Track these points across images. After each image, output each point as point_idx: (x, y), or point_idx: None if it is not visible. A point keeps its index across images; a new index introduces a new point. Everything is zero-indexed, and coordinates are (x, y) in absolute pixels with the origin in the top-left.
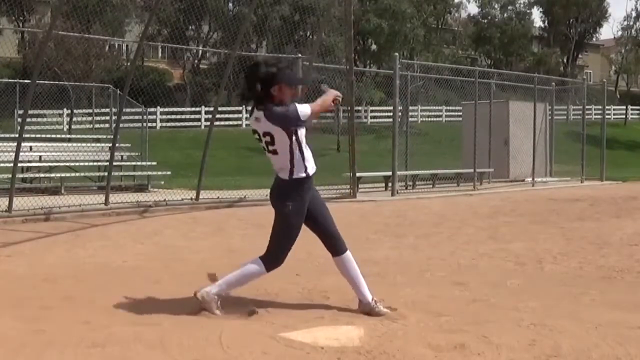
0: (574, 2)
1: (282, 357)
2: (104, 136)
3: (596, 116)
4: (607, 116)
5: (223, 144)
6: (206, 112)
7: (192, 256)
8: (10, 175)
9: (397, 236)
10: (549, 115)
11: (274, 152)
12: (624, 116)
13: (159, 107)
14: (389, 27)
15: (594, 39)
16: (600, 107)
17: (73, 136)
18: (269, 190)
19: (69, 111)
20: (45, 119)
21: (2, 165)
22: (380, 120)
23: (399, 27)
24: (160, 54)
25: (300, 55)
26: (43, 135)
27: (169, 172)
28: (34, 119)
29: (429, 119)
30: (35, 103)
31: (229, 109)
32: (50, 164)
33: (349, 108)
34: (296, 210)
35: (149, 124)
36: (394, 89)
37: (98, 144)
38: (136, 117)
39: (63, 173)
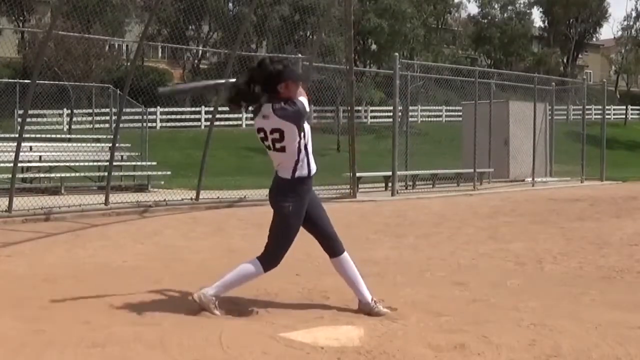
0: (574, 2)
1: (282, 357)
2: (104, 136)
3: (596, 116)
4: (607, 116)
5: (223, 144)
6: (206, 112)
7: (192, 256)
8: (10, 175)
9: (397, 236)
10: (549, 115)
11: (282, 150)
12: (624, 116)
13: (159, 107)
14: (389, 27)
15: (594, 39)
16: (600, 107)
17: (73, 136)
18: (268, 190)
19: (69, 111)
20: (45, 119)
21: (2, 165)
22: (380, 120)
23: (399, 27)
24: (160, 54)
25: (300, 55)
26: (43, 135)
27: (169, 172)
28: (34, 119)
29: (429, 119)
30: (35, 103)
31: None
32: (50, 164)
33: (349, 108)
34: (295, 211)
35: (149, 124)
36: (394, 89)
37: (98, 144)
38: (136, 117)
39: (63, 173)
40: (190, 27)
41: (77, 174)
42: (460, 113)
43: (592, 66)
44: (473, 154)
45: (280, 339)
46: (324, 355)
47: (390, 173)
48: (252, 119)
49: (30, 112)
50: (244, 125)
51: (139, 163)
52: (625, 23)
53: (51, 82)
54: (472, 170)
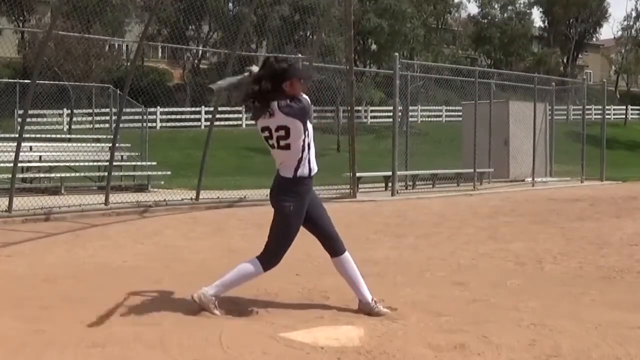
0: (574, 2)
1: (282, 357)
2: (104, 136)
3: (596, 116)
4: (607, 116)
5: (223, 144)
6: (206, 112)
7: (192, 256)
8: (10, 175)
9: (397, 236)
10: (549, 115)
11: (286, 147)
12: (624, 116)
13: (159, 107)
14: (389, 27)
15: (594, 39)
16: (600, 107)
17: (73, 136)
18: (269, 190)
19: (69, 111)
20: (45, 119)
21: (2, 165)
22: (380, 120)
23: (399, 27)
24: (160, 54)
25: (300, 55)
26: (43, 135)
27: (169, 172)
28: (34, 119)
29: (429, 119)
30: (35, 103)
31: (229, 109)
32: (50, 164)
33: (349, 108)
34: (296, 210)
35: (149, 124)
36: (394, 89)
37: (98, 144)
38: (136, 117)
39: (63, 173)
40: (190, 27)
41: (77, 174)
42: (460, 113)
43: (592, 66)
44: (473, 154)
45: (280, 339)
46: (324, 355)
47: (390, 173)
48: (252, 118)
49: (30, 112)
50: (244, 125)
51: (139, 163)
52: (625, 23)
53: (51, 82)
54: (472, 170)
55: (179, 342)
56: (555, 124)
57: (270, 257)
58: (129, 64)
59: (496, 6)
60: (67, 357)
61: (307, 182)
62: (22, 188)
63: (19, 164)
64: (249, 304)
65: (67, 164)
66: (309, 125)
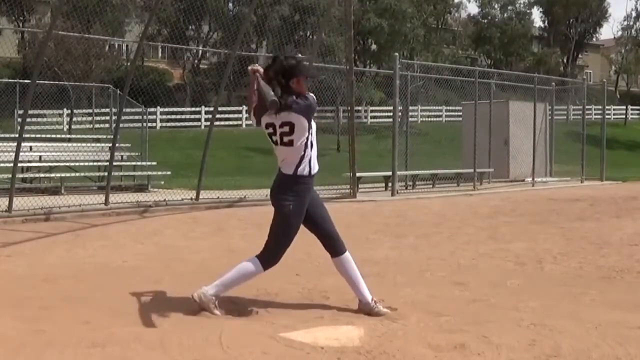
0: (574, 2)
1: (282, 357)
2: (104, 136)
3: (596, 116)
4: (607, 116)
5: (223, 144)
6: (206, 112)
7: (192, 256)
8: (10, 175)
9: (397, 236)
10: (549, 115)
11: (289, 144)
12: (624, 116)
13: (159, 107)
14: (389, 27)
15: (594, 39)
16: (600, 107)
17: (73, 136)
18: (268, 190)
19: (69, 111)
20: (45, 119)
21: (2, 165)
22: (380, 120)
23: (399, 27)
24: (160, 54)
25: (300, 55)
26: (43, 135)
27: (169, 172)
28: (34, 119)
29: (429, 119)
30: (35, 103)
31: (229, 109)
32: (50, 164)
33: (349, 108)
34: (296, 210)
35: (149, 124)
36: (394, 89)
37: (98, 144)
38: (136, 117)
39: (63, 173)
40: (190, 27)
41: (77, 174)
42: (460, 113)
43: (592, 66)
44: (473, 154)
45: (280, 339)
46: (324, 355)
47: (390, 173)
48: (256, 117)
49: (30, 112)
50: (244, 125)
51: (139, 163)
52: (625, 23)
53: (51, 82)
54: (472, 170)
55: (179, 342)
56: (555, 124)
57: (270, 256)
58: (129, 64)
59: (496, 6)
60: (67, 357)
61: (307, 181)
62: (22, 188)
63: (19, 164)
64: (249, 304)
65: (67, 164)
66: (313, 124)
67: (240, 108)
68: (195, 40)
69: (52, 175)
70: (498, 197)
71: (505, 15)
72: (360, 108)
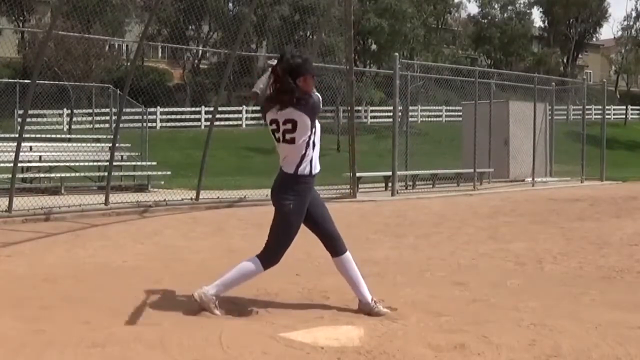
0: (574, 2)
1: (282, 357)
2: (104, 136)
3: (596, 116)
4: (607, 116)
5: (223, 144)
6: (206, 112)
7: (192, 256)
8: (10, 175)
9: (397, 236)
10: (549, 115)
11: (291, 141)
12: (624, 116)
13: (159, 107)
14: (389, 27)
15: (594, 39)
16: (600, 107)
17: (73, 136)
18: (268, 190)
19: (69, 111)
20: (45, 119)
21: (2, 165)
22: (380, 120)
23: (399, 27)
24: (160, 54)
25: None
26: (43, 135)
27: (169, 172)
28: (34, 119)
29: (429, 119)
30: (35, 103)
31: (229, 109)
32: (50, 164)
33: (349, 108)
34: (296, 209)
35: (149, 124)
36: (394, 89)
37: (98, 144)
38: (136, 117)
39: (63, 173)
40: (190, 27)
41: (77, 174)
42: (460, 113)
43: (592, 66)
44: (473, 154)
45: (280, 339)
46: (324, 355)
47: (390, 173)
48: (259, 111)
49: (30, 112)
50: (244, 125)
51: (139, 163)
52: (625, 23)
53: (51, 82)
54: (472, 170)
55: (179, 342)
56: (555, 124)
57: (270, 255)
58: (129, 64)
59: (496, 6)
60: (67, 357)
61: (308, 181)
62: (22, 188)
63: (19, 164)
64: (249, 304)
65: (67, 164)
66: (318, 125)
67: (240, 108)
68: (195, 40)
69: (52, 175)
70: (498, 197)
71: (505, 15)
72: (360, 108)
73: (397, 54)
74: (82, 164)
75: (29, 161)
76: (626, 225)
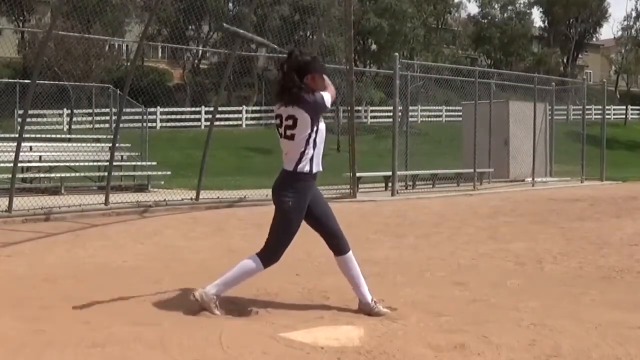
0: (574, 2)
1: (282, 357)
2: (104, 136)
3: (596, 116)
4: (607, 116)
5: (223, 144)
6: (206, 112)
7: (192, 256)
8: (10, 175)
9: (397, 236)
10: (549, 115)
11: (291, 137)
12: (624, 116)
13: (159, 107)
14: (389, 27)
15: (594, 39)
16: (600, 107)
17: (73, 136)
18: (268, 190)
19: (69, 111)
20: (45, 119)
21: (2, 165)
22: (380, 120)
23: (399, 27)
24: (160, 54)
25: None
26: (43, 135)
27: (169, 172)
28: (34, 119)
29: (429, 119)
30: (35, 103)
31: (229, 109)
32: (50, 164)
33: (349, 108)
34: (295, 206)
35: (149, 124)
36: (394, 89)
37: (98, 144)
38: (136, 117)
39: (63, 173)
40: (190, 27)
41: (77, 174)
42: (460, 113)
43: (592, 66)
44: (473, 154)
45: (280, 339)
46: (324, 355)
47: (390, 173)
48: (273, 103)
49: (30, 112)
50: (244, 125)
51: (139, 163)
52: (625, 23)
53: (51, 82)
54: (472, 170)
55: (179, 342)
56: (555, 124)
57: (270, 253)
58: (129, 64)
59: (496, 6)
60: (67, 357)
61: (308, 179)
62: (22, 188)
63: (19, 164)
64: (249, 304)
65: (67, 164)
66: (322, 126)
67: (240, 108)
68: (195, 40)
69: (52, 175)
70: (498, 197)
71: (505, 15)
72: (360, 108)
73: (397, 54)
74: (82, 164)
75: (29, 161)
76: (626, 225)
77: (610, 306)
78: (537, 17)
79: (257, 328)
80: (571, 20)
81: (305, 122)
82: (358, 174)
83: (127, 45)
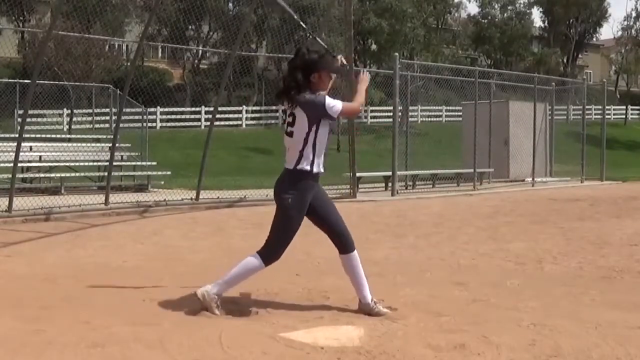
0: (574, 2)
1: (282, 357)
2: (104, 136)
3: (596, 116)
4: (607, 116)
5: (223, 144)
6: (206, 112)
7: (192, 256)
8: (10, 175)
9: (397, 236)
10: (549, 115)
11: (290, 134)
12: (624, 116)
13: (159, 107)
14: (389, 27)
15: (594, 39)
16: (600, 107)
17: (73, 136)
18: (268, 190)
19: (69, 111)
20: (45, 119)
21: (2, 165)
22: (380, 120)
23: (399, 27)
24: (160, 54)
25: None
26: (43, 135)
27: (169, 172)
28: (34, 119)
29: (429, 119)
30: (35, 103)
31: (229, 109)
32: (50, 164)
33: None
34: (296, 204)
35: (149, 124)
36: (394, 89)
37: (98, 144)
38: (136, 117)
39: (63, 173)
40: (190, 27)
41: (77, 174)
42: (460, 113)
43: (592, 66)
44: (473, 154)
45: (280, 339)
46: (324, 355)
47: (390, 173)
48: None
49: (30, 112)
50: (244, 125)
51: (139, 163)
52: (625, 23)
53: (51, 82)
54: (472, 170)
55: (179, 342)
56: (555, 124)
57: (270, 251)
58: (129, 64)
59: (496, 6)
60: (67, 357)
61: (308, 178)
62: (22, 188)
63: (19, 164)
64: (249, 304)
65: (67, 164)
66: (322, 129)
67: (240, 108)
68: (195, 40)
69: (52, 175)
70: (498, 197)
71: (505, 15)
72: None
73: (397, 54)
74: (82, 164)
75: (29, 161)
76: (626, 225)
77: (610, 306)
78: (537, 17)
79: (257, 328)
80: (571, 20)
81: (302, 122)
82: (358, 174)
83: (127, 45)
